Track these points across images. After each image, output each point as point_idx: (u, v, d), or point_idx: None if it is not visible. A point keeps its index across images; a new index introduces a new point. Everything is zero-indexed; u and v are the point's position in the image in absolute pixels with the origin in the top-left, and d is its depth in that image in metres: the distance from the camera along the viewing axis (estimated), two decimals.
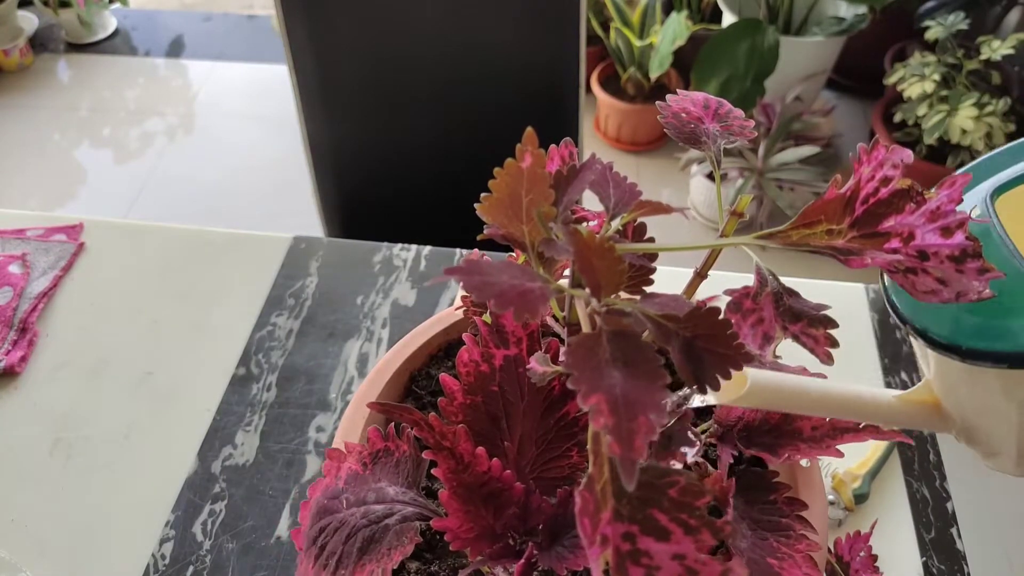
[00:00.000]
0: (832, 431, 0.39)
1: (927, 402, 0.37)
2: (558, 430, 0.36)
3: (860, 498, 0.64)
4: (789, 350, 0.42)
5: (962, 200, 0.26)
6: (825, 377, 0.44)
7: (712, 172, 1.59)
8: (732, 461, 0.42)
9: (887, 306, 0.35)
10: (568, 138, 0.40)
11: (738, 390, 0.34)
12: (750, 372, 0.33)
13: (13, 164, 2.23)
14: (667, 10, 2.16)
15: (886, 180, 0.27)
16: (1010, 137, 1.79)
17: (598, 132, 2.27)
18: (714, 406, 0.43)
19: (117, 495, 0.66)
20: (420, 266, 0.83)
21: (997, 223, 0.33)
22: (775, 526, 0.36)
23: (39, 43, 2.63)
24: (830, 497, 0.64)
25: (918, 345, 0.33)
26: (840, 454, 0.40)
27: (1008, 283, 0.30)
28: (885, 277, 0.34)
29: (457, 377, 0.36)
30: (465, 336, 0.36)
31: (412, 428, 0.33)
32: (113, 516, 0.65)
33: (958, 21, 1.81)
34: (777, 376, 0.32)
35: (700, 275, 0.37)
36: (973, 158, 1.81)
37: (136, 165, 2.23)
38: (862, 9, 1.93)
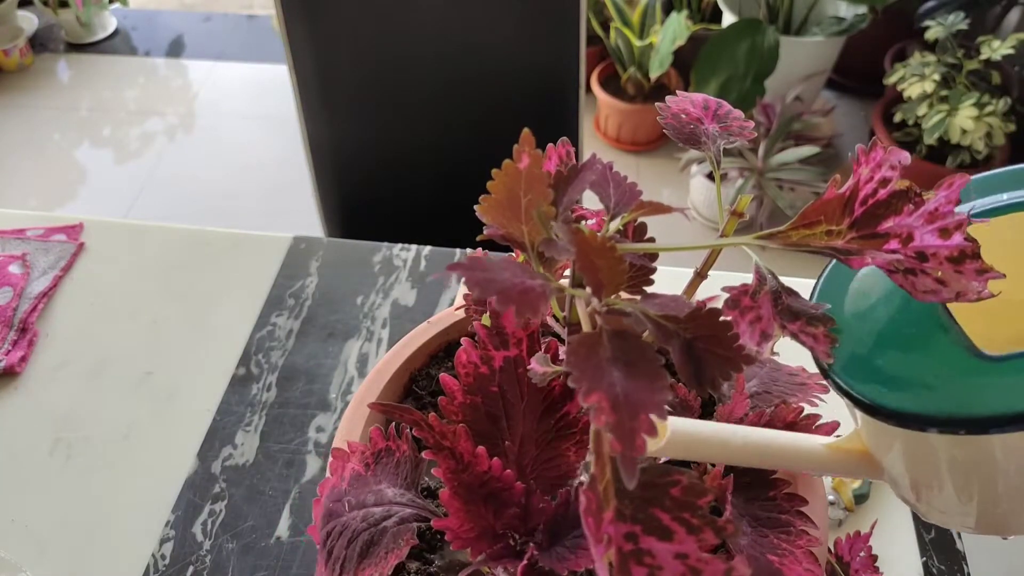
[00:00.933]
0: None
1: (857, 451, 0.35)
2: (557, 430, 0.36)
3: (860, 498, 0.64)
4: (790, 350, 0.42)
5: (960, 200, 0.26)
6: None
7: (712, 172, 1.59)
8: None
9: (814, 362, 0.32)
10: (565, 137, 0.40)
11: (657, 441, 0.32)
12: (671, 421, 0.31)
13: (13, 164, 2.23)
14: (667, 10, 2.16)
15: (885, 181, 0.28)
16: (1010, 137, 1.79)
17: (598, 132, 2.27)
18: (715, 406, 0.43)
19: (117, 495, 0.66)
20: (420, 266, 0.83)
21: None
22: (775, 523, 0.36)
23: (39, 43, 2.63)
24: (830, 497, 0.64)
25: (845, 399, 0.31)
26: None
27: (932, 342, 0.29)
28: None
29: (457, 377, 0.36)
30: (463, 340, 0.37)
31: (412, 428, 0.33)
32: (113, 516, 0.65)
33: (958, 21, 1.81)
34: (699, 425, 0.31)
35: (700, 275, 0.37)
36: (973, 158, 1.82)
37: (136, 165, 2.23)
38: (862, 9, 1.93)
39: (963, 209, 0.31)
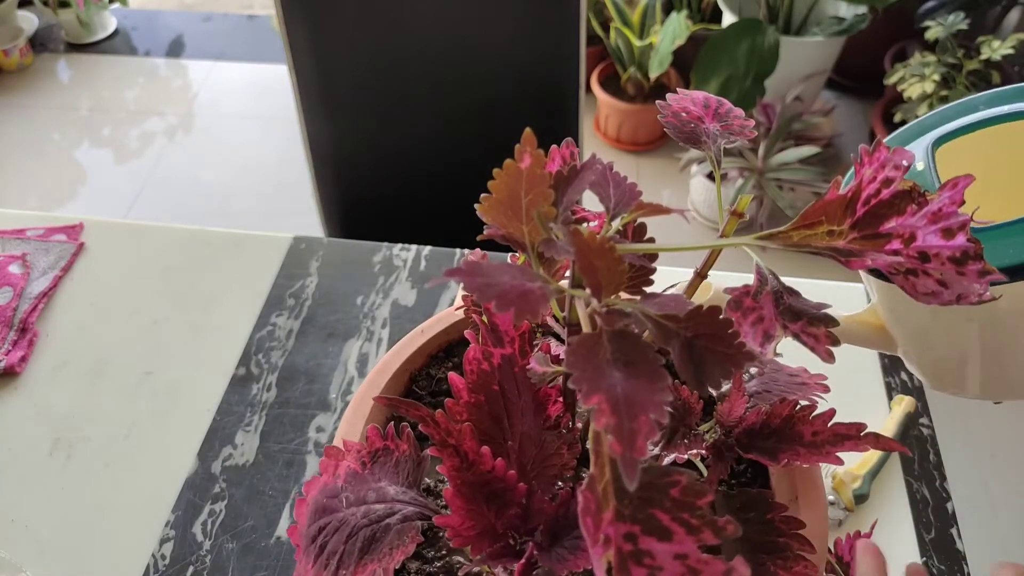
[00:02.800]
0: (833, 438, 0.39)
1: (872, 324, 0.42)
2: (547, 429, 0.36)
3: (860, 498, 0.64)
4: (790, 348, 0.42)
5: (963, 201, 0.26)
6: (826, 378, 0.44)
7: (712, 172, 1.59)
8: (731, 465, 0.42)
9: None
10: (569, 138, 0.40)
11: (703, 296, 0.39)
12: (715, 283, 0.38)
13: (13, 164, 2.23)
14: (667, 10, 2.16)
15: (888, 181, 0.27)
16: None
17: (598, 132, 2.27)
18: (715, 404, 0.43)
19: (117, 495, 0.66)
20: (420, 266, 0.83)
21: (934, 170, 0.39)
22: (772, 547, 0.36)
23: (39, 43, 2.63)
24: (830, 497, 0.64)
25: (863, 273, 0.37)
26: (840, 461, 0.40)
27: None
28: None
29: (462, 374, 0.36)
30: (467, 334, 0.36)
31: (418, 424, 0.33)
32: (113, 516, 0.65)
33: (958, 21, 1.81)
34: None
35: (700, 275, 0.37)
36: None
37: (136, 165, 2.23)
38: (862, 9, 1.93)
39: (944, 129, 0.41)
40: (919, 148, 0.41)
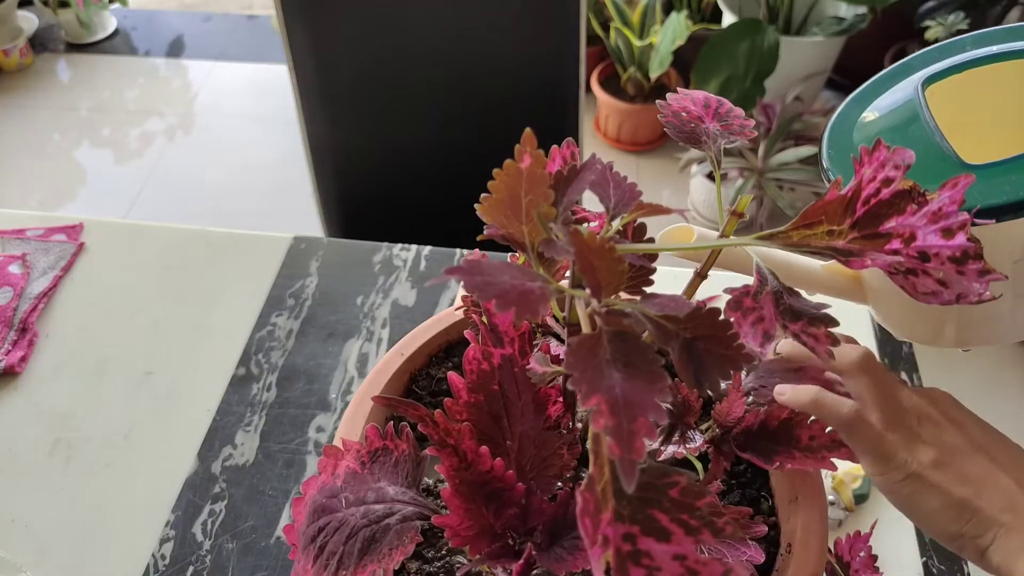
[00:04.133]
0: (829, 443, 0.39)
1: (848, 275, 0.42)
2: (547, 429, 0.36)
3: (860, 498, 0.64)
4: None
5: (964, 201, 0.26)
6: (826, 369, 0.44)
7: (712, 172, 1.59)
8: (730, 465, 0.42)
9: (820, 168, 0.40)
10: (570, 138, 0.40)
11: (684, 240, 0.40)
12: (697, 229, 0.40)
13: (13, 164, 2.23)
14: (667, 10, 2.16)
15: (888, 181, 0.27)
16: None
17: (598, 132, 2.27)
18: (713, 405, 0.43)
19: (117, 495, 0.66)
20: (420, 266, 0.83)
21: (925, 107, 0.39)
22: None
23: (39, 43, 2.63)
24: (830, 497, 0.64)
25: None
26: (834, 467, 0.40)
27: (930, 161, 0.36)
28: (824, 140, 0.41)
29: (462, 374, 0.36)
30: (467, 333, 0.36)
31: (417, 424, 0.33)
32: (113, 516, 0.65)
33: (958, 21, 1.81)
34: (717, 235, 0.36)
35: (700, 275, 0.37)
36: None
37: (136, 165, 2.23)
38: (862, 9, 1.93)
39: (935, 68, 0.41)
40: (908, 87, 0.41)
